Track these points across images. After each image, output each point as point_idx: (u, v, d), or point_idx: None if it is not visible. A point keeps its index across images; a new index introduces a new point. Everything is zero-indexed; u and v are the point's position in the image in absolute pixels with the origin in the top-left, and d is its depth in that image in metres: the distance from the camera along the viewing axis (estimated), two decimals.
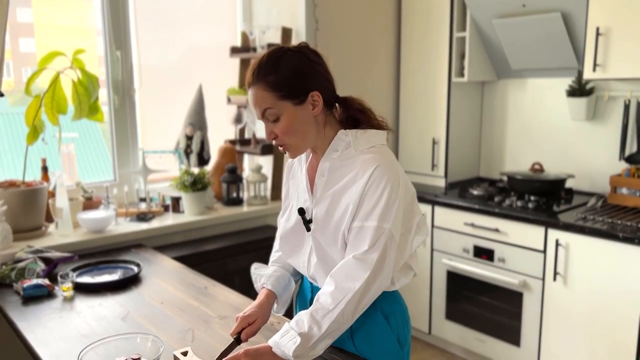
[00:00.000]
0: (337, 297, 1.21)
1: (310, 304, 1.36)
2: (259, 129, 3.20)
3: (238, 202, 2.89)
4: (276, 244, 1.56)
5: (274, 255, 1.56)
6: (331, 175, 1.33)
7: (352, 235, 1.26)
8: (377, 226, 1.23)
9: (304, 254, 1.39)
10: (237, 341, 1.34)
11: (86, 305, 1.74)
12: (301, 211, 1.36)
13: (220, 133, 3.11)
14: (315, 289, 1.42)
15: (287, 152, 1.34)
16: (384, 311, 1.37)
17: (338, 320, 1.20)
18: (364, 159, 1.28)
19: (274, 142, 1.32)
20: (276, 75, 1.25)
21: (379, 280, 1.23)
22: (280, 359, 1.21)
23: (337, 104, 1.36)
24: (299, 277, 1.54)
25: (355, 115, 1.36)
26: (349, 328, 1.34)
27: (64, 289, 1.81)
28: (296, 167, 1.47)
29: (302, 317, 1.22)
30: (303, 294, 1.50)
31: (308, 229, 1.36)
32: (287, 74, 1.26)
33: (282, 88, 1.25)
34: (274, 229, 2.81)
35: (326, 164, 1.34)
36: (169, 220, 2.59)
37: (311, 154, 1.41)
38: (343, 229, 1.28)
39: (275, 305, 1.48)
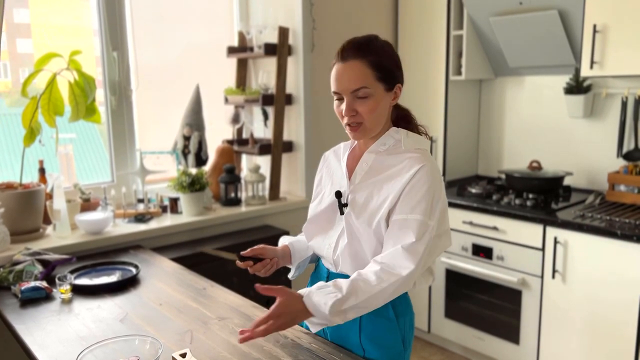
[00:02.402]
0: (382, 277, 1.24)
1: None
2: (257, 129, 3.20)
3: (236, 202, 2.88)
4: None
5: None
6: (374, 166, 1.39)
7: (396, 226, 1.30)
8: (423, 221, 1.27)
9: (332, 236, 1.42)
10: (240, 258, 1.46)
11: (84, 307, 1.73)
12: (338, 194, 1.41)
13: (217, 133, 3.10)
14: (332, 276, 1.43)
15: (355, 132, 1.37)
16: (396, 309, 1.39)
17: (374, 297, 1.23)
18: (412, 157, 1.34)
19: (346, 120, 1.35)
20: (380, 57, 1.32)
21: (418, 273, 1.27)
22: (303, 314, 1.23)
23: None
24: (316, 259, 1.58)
25: (407, 117, 1.46)
26: (359, 321, 1.38)
27: (62, 291, 1.81)
28: (332, 157, 1.54)
29: (341, 283, 1.25)
30: (318, 280, 1.50)
31: (342, 212, 1.40)
32: (387, 60, 1.34)
33: (381, 70, 1.32)
34: (272, 229, 2.83)
35: (372, 155, 1.40)
36: (167, 221, 2.59)
37: (355, 143, 1.47)
38: (379, 217, 1.32)
39: (291, 271, 1.59)
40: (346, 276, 1.33)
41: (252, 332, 1.21)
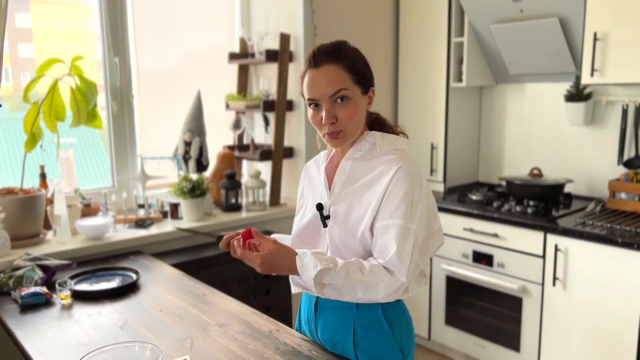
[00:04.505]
0: (377, 273, 1.24)
1: (317, 302, 1.39)
2: (258, 135, 3.20)
3: (237, 208, 2.88)
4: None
5: None
6: (352, 174, 1.36)
7: (378, 233, 1.28)
8: (403, 225, 1.25)
9: (320, 249, 1.40)
10: (219, 239, 1.42)
11: (84, 313, 1.73)
12: (319, 206, 1.38)
13: (218, 139, 3.11)
14: None
15: (334, 140, 1.33)
16: (389, 319, 1.37)
17: (359, 286, 1.24)
18: (388, 159, 1.31)
19: (327, 129, 1.31)
20: (351, 60, 1.31)
21: (409, 280, 1.26)
22: (287, 269, 1.25)
23: None
24: None
25: (380, 119, 1.42)
26: (353, 332, 1.36)
27: (62, 296, 1.81)
28: (312, 167, 1.51)
29: (337, 260, 1.25)
30: (309, 295, 1.49)
31: (325, 225, 1.38)
32: (360, 63, 1.33)
33: (356, 73, 1.31)
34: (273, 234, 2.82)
35: (348, 163, 1.37)
36: (168, 226, 2.59)
37: (333, 152, 1.44)
38: (363, 227, 1.30)
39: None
40: None
41: (239, 250, 1.28)
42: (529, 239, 2.61)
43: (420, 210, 1.27)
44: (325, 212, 1.37)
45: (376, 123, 1.42)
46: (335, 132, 1.31)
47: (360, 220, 1.31)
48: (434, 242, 1.38)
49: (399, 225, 1.25)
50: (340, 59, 1.29)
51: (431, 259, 3.05)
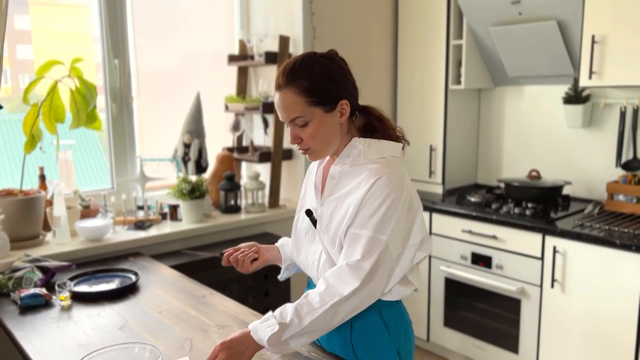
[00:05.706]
0: (325, 298, 1.23)
1: None
2: (257, 136, 3.21)
3: (236, 209, 2.89)
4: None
5: None
6: (340, 180, 1.36)
7: (347, 241, 1.28)
8: (372, 237, 1.24)
9: (314, 253, 1.41)
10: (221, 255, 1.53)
11: (84, 314, 1.73)
12: (308, 212, 1.40)
13: (218, 140, 3.11)
14: None
15: (308, 156, 1.36)
16: (385, 321, 1.37)
17: (319, 319, 1.22)
18: (371, 168, 1.30)
19: (297, 147, 1.35)
20: (310, 80, 1.27)
21: (368, 291, 1.24)
22: (256, 347, 1.24)
23: (357, 112, 1.39)
24: None
25: (373, 123, 1.39)
26: (350, 333, 1.36)
27: (62, 298, 1.81)
28: (313, 170, 1.51)
29: (287, 309, 1.24)
30: None
31: (315, 228, 1.39)
32: (321, 81, 1.28)
33: (315, 94, 1.27)
34: (272, 236, 2.83)
35: (337, 168, 1.37)
36: (167, 228, 2.59)
37: (328, 157, 1.44)
38: (340, 232, 1.30)
39: (281, 271, 1.59)
40: None
41: None
42: (528, 240, 2.62)
43: (395, 222, 1.25)
44: (315, 216, 1.39)
45: (368, 128, 1.38)
46: (303, 150, 1.34)
47: (338, 226, 1.31)
48: (418, 252, 1.35)
49: (368, 237, 1.24)
50: (297, 81, 1.27)
51: (430, 261, 3.05)
